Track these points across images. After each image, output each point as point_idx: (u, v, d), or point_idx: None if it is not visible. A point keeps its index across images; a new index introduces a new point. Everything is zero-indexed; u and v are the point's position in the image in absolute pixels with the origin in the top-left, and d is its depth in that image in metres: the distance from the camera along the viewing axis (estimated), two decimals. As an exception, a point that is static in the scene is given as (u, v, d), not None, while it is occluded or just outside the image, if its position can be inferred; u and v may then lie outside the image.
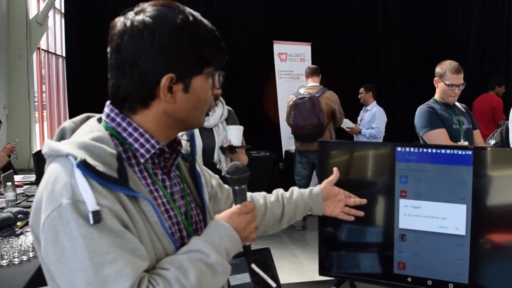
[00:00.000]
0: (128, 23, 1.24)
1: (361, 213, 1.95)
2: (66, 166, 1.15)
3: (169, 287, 1.14)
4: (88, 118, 1.33)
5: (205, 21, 1.30)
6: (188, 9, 1.28)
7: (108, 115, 1.29)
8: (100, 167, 1.15)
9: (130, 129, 1.27)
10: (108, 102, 1.31)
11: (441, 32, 10.51)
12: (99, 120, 1.31)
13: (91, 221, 1.09)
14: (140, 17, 1.23)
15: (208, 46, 1.26)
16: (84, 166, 1.13)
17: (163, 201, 1.30)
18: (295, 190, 1.88)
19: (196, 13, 1.29)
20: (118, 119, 1.28)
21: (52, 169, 1.18)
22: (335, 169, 1.91)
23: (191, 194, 1.43)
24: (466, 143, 3.87)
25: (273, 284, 1.56)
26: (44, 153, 1.24)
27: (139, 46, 1.22)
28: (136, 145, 1.27)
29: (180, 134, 1.44)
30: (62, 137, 1.28)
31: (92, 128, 1.26)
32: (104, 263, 1.09)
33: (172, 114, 1.28)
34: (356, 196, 1.97)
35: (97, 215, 1.10)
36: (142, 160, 1.27)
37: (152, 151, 1.27)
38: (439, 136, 3.83)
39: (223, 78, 1.34)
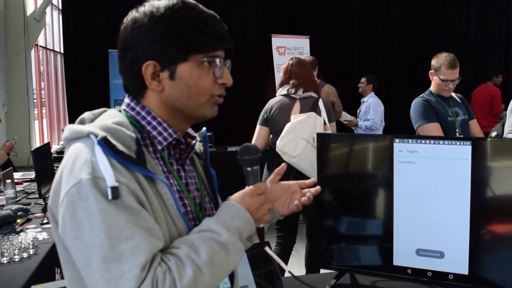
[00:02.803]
0: (126, 19, 1.30)
1: (317, 189, 1.62)
2: (87, 145, 1.18)
3: (180, 264, 1.14)
4: (105, 111, 1.36)
5: (198, 7, 1.30)
6: None
7: (128, 105, 1.33)
8: (119, 146, 1.18)
9: (149, 118, 1.30)
10: (127, 94, 1.35)
11: (440, 23, 10.49)
12: (119, 111, 1.34)
13: (110, 196, 1.11)
14: (133, 13, 1.29)
15: (189, 32, 1.26)
16: (104, 143, 1.16)
17: (177, 189, 1.32)
18: None
19: (189, 1, 1.30)
20: (137, 108, 1.31)
21: (73, 149, 1.20)
22: (283, 165, 1.59)
23: (205, 189, 1.45)
24: (462, 136, 3.87)
25: (286, 268, 1.56)
26: (65, 138, 1.26)
27: (125, 38, 1.28)
28: (154, 133, 1.30)
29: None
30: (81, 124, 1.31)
31: (112, 115, 1.29)
32: (121, 239, 1.10)
33: (167, 104, 1.30)
34: (308, 181, 1.64)
35: (115, 191, 1.11)
36: (159, 147, 1.30)
37: (170, 139, 1.30)
38: (433, 130, 3.83)
39: (225, 66, 1.33)
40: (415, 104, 4.02)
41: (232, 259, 1.23)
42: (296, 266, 5.47)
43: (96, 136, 1.17)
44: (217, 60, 1.30)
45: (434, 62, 3.98)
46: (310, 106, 4.06)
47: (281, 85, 4.20)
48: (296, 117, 4.03)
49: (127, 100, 1.34)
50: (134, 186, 1.16)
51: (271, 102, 4.21)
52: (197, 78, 1.28)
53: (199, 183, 1.42)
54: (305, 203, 1.61)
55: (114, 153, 1.16)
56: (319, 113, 4.02)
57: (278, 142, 3.99)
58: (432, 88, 4.04)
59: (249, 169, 1.39)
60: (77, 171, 1.14)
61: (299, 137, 3.93)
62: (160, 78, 1.27)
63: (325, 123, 4.02)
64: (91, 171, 1.13)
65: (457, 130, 3.90)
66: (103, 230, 1.10)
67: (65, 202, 1.14)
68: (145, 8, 1.28)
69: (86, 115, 1.33)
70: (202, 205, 1.39)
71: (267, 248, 1.47)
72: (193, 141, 1.39)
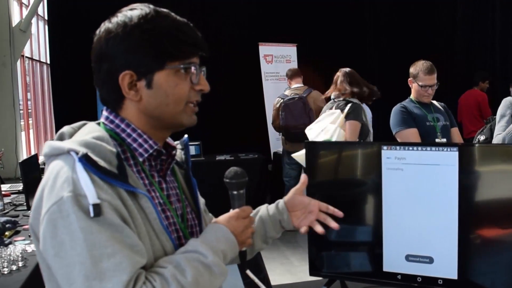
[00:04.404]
0: (99, 30, 1.30)
1: (335, 225, 1.70)
2: (67, 162, 1.17)
3: (166, 284, 1.14)
4: (84, 125, 1.35)
5: (171, 16, 1.30)
6: (154, 8, 1.30)
7: (107, 118, 1.32)
8: (101, 162, 1.18)
9: (128, 130, 1.30)
10: (105, 107, 1.34)
11: (427, 29, 10.55)
12: (98, 124, 1.33)
13: (92, 214, 1.10)
14: (106, 23, 1.29)
15: (163, 40, 1.26)
16: (86, 160, 1.15)
17: (160, 201, 1.32)
18: (262, 207, 1.73)
19: (161, 10, 1.30)
20: (117, 121, 1.31)
21: (53, 166, 1.20)
22: (303, 176, 1.73)
23: (186, 199, 1.45)
24: (444, 140, 3.98)
25: None
26: (45, 154, 1.25)
27: (99, 49, 1.28)
28: (134, 145, 1.29)
29: (175, 142, 1.46)
30: (61, 140, 1.29)
31: (91, 129, 1.28)
32: (103, 256, 1.10)
33: (146, 113, 1.30)
34: (333, 208, 1.73)
35: (97, 208, 1.11)
36: (140, 159, 1.30)
37: (150, 151, 1.30)
38: (410, 135, 3.99)
39: (201, 72, 1.33)
40: (394, 111, 4.23)
41: (216, 281, 1.24)
42: (286, 274, 5.48)
43: (76, 153, 1.16)
44: (193, 67, 1.30)
45: (412, 69, 4.19)
46: (340, 106, 5.10)
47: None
48: (326, 113, 5.19)
49: (105, 113, 1.33)
50: (116, 202, 1.16)
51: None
52: (174, 86, 1.28)
53: (180, 194, 1.42)
54: (316, 230, 1.68)
55: (96, 169, 1.16)
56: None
57: (306, 129, 5.14)
58: (412, 95, 4.23)
59: (235, 192, 1.41)
60: (58, 189, 1.14)
61: (319, 127, 5.03)
62: (137, 87, 1.27)
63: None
64: (72, 189, 1.13)
65: (438, 135, 4.02)
66: (85, 248, 1.09)
67: (46, 220, 1.13)
68: (118, 18, 1.28)
69: (65, 129, 1.32)
70: (184, 216, 1.39)
71: (248, 272, 1.48)
72: (173, 152, 1.39)
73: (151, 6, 1.30)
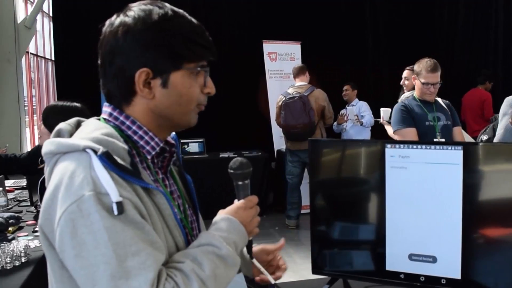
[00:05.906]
0: (111, 23, 1.28)
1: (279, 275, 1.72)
2: (82, 160, 1.15)
3: (186, 279, 1.14)
4: (78, 121, 1.34)
5: (187, 17, 1.30)
6: (170, 6, 1.29)
7: (110, 114, 1.30)
8: (118, 159, 1.16)
9: (134, 127, 1.29)
10: (107, 103, 1.32)
11: (427, 28, 10.52)
12: (98, 120, 1.31)
13: (115, 212, 1.09)
14: (121, 17, 1.27)
15: (183, 41, 1.26)
16: (106, 157, 1.14)
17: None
18: None
19: (178, 10, 1.30)
20: (121, 118, 1.29)
21: (65, 165, 1.16)
22: (282, 240, 1.71)
23: (184, 196, 1.45)
24: (443, 140, 3.99)
25: (272, 281, 1.56)
26: (49, 152, 1.22)
27: (115, 43, 1.25)
28: (141, 143, 1.29)
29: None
30: (58, 137, 1.27)
31: (98, 126, 1.26)
32: (127, 255, 1.09)
33: (155, 111, 1.28)
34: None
35: (120, 206, 1.10)
36: (148, 157, 1.29)
37: (157, 149, 1.30)
38: (408, 134, 4.06)
39: (208, 76, 1.33)
40: (394, 109, 4.29)
41: (231, 272, 1.25)
42: (289, 271, 5.47)
43: (94, 150, 1.14)
44: (206, 70, 1.31)
45: (416, 67, 4.25)
46: None
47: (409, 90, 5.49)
48: None
49: (108, 109, 1.31)
50: (135, 199, 1.15)
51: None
52: (188, 87, 1.28)
53: (179, 190, 1.42)
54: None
55: (115, 166, 1.14)
56: None
57: None
58: (416, 93, 4.28)
59: (240, 183, 1.41)
60: (76, 188, 1.11)
61: None
62: (151, 85, 1.26)
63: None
64: (93, 187, 1.11)
65: (437, 134, 4.05)
66: (110, 248, 1.08)
67: (64, 220, 1.11)
68: (135, 13, 1.25)
69: (63, 126, 1.30)
70: (186, 212, 1.40)
71: (254, 261, 1.48)
72: (173, 149, 1.39)
73: (167, 4, 1.30)
